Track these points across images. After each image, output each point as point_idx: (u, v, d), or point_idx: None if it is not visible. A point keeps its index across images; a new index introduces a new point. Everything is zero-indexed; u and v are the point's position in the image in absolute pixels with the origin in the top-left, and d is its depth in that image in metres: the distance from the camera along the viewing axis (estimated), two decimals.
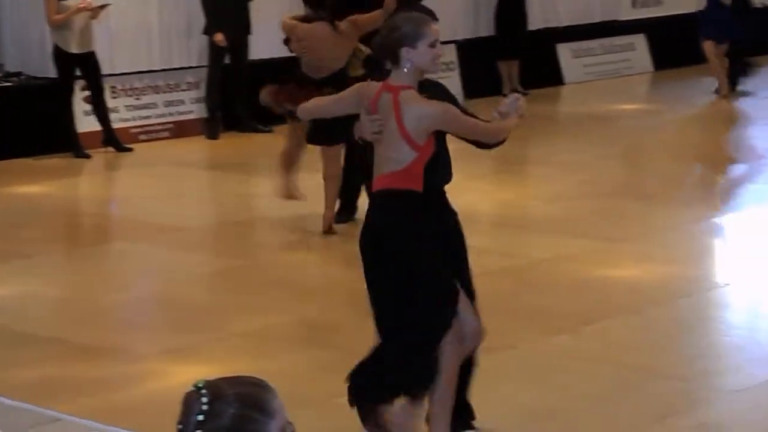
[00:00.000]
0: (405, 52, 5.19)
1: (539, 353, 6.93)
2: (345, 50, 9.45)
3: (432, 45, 5.24)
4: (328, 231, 9.42)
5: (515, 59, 16.63)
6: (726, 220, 10.05)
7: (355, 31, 9.43)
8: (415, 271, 5.28)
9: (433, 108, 5.19)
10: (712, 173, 12.17)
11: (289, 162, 9.74)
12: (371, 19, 9.28)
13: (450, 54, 16.66)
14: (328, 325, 7.62)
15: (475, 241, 9.65)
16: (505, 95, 16.51)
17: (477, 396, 6.29)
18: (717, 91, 15.68)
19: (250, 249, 9.56)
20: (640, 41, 18.06)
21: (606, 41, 17.79)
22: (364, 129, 5.28)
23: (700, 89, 16.44)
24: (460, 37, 16.83)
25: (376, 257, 5.32)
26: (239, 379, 2.54)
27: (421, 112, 5.17)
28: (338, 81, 8.87)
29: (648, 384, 6.37)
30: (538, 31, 16.98)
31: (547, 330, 7.29)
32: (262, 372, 2.68)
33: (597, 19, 17.91)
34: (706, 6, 16.10)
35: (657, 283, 8.21)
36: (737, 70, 15.91)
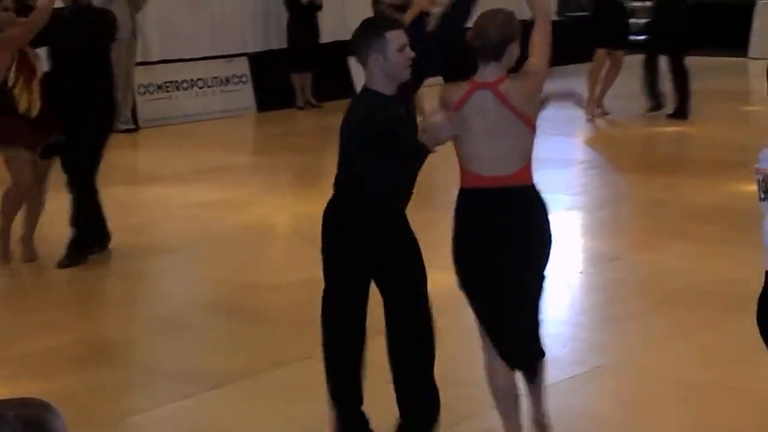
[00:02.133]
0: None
1: None
2: None
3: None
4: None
5: (308, 72, 16.73)
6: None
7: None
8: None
9: None
10: None
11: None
12: (17, 34, 8.62)
13: (242, 66, 16.66)
14: (112, 343, 7.52)
15: (272, 254, 9.75)
16: (300, 108, 16.67)
17: (272, 409, 6.30)
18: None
19: (29, 267, 9.29)
20: None
21: None
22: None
23: None
24: (251, 49, 16.83)
25: (519, 256, 5.16)
26: (20, 401, 2.50)
27: None
28: None
29: (444, 390, 6.46)
30: (330, 43, 17.11)
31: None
32: (45, 393, 2.65)
33: None
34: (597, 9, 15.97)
35: (449, 292, 8.34)
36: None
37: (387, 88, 5.27)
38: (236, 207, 11.13)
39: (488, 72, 5.18)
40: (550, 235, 5.25)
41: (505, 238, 5.15)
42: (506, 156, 5.15)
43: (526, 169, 5.19)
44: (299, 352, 7.13)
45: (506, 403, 5.46)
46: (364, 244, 5.45)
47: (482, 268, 5.25)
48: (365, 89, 5.37)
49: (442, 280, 8.59)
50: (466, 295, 5.41)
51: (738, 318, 7.50)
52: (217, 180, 12.29)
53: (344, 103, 15.92)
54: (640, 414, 6.15)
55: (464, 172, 5.26)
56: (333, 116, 16.01)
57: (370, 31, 5.33)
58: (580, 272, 8.89)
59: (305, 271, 8.94)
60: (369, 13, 17.93)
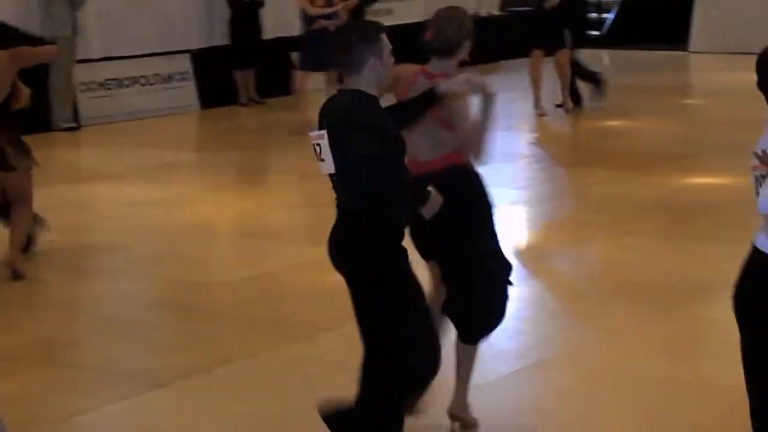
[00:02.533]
0: None
1: (278, 361, 6.97)
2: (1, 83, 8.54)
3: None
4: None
5: (251, 68, 16.68)
6: None
7: (13, 63, 8.56)
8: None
9: None
10: None
11: None
12: (37, 52, 8.78)
13: (185, 63, 16.58)
14: (57, 342, 7.48)
15: (215, 251, 9.72)
16: (243, 104, 16.62)
17: (218, 407, 6.28)
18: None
19: None
20: None
21: None
22: None
23: None
24: (194, 46, 16.77)
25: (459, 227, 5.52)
26: None
27: None
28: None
29: None
30: (273, 40, 17.08)
31: (286, 337, 7.35)
32: None
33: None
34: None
35: None
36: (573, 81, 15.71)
37: (375, 90, 5.05)
38: (181, 204, 11.09)
39: (440, 65, 5.52)
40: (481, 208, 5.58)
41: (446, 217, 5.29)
42: (437, 144, 5.46)
43: (450, 156, 5.47)
44: (246, 350, 7.13)
45: None
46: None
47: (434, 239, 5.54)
48: (356, 91, 5.02)
49: None
50: None
51: (682, 311, 7.58)
52: (162, 178, 12.24)
53: (287, 100, 15.82)
54: (586, 407, 6.19)
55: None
56: (276, 113, 16.05)
57: (367, 34, 5.04)
58: (525, 266, 8.92)
59: (252, 268, 8.94)
60: None
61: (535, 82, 15.41)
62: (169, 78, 16.37)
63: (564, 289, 8.37)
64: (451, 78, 5.37)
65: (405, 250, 5.05)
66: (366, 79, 5.00)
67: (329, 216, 10.63)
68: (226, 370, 6.84)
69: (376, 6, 18.68)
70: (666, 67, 19.48)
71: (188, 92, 16.48)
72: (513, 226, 10.13)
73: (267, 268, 8.91)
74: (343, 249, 5.07)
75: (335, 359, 6.85)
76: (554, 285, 8.50)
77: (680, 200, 10.38)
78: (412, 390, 5.24)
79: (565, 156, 13.50)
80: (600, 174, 11.96)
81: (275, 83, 16.85)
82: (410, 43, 18.83)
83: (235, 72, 16.65)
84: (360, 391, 5.16)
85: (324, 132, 4.96)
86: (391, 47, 5.06)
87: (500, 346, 7.22)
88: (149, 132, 15.12)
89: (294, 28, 17.52)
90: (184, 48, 16.58)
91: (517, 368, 6.75)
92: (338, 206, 5.12)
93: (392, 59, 5.09)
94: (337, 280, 8.62)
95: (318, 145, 4.98)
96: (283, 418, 6.14)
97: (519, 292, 8.52)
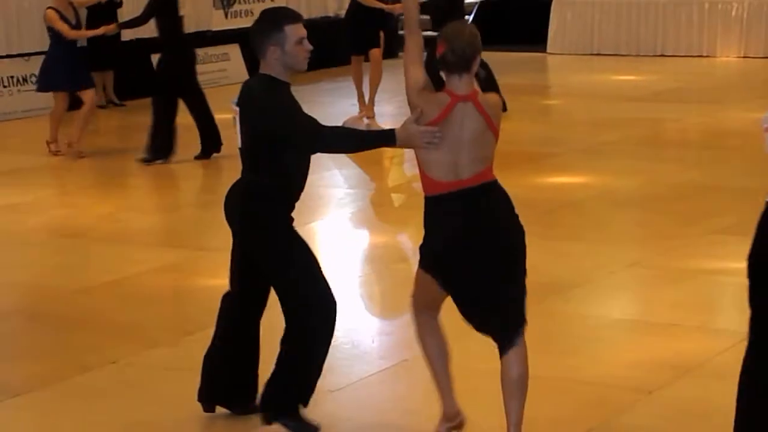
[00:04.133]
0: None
1: (139, 367, 6.87)
2: None
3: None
4: None
5: (109, 70, 16.45)
6: (329, 222, 10.30)
7: None
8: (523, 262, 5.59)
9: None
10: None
11: None
12: None
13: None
14: None
15: (73, 257, 9.54)
16: (101, 107, 16.36)
17: (74, 417, 6.17)
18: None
19: None
20: (234, 51, 18.26)
21: (201, 51, 17.84)
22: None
23: (295, 97, 16.80)
24: None
25: (505, 244, 5.48)
26: None
27: None
28: None
29: None
30: (131, 41, 16.86)
31: (146, 343, 7.24)
32: None
33: (190, 29, 17.94)
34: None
35: None
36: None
37: (284, 77, 5.63)
38: (38, 210, 10.87)
39: (461, 84, 5.38)
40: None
41: (494, 227, 5.50)
42: (480, 159, 5.45)
43: (490, 169, 5.54)
44: (105, 357, 7.01)
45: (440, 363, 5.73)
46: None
47: (476, 261, 5.44)
48: (264, 75, 5.63)
49: None
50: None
51: (541, 308, 7.64)
52: (18, 182, 11.98)
53: (147, 102, 15.63)
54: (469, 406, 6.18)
55: (432, 181, 5.46)
56: (136, 115, 15.83)
57: (269, 24, 5.60)
58: (387, 266, 8.93)
59: (111, 273, 8.80)
60: None
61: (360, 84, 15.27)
62: (24, 80, 16.05)
63: None
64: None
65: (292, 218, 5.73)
66: (270, 65, 5.57)
67: (189, 219, 10.52)
68: (84, 378, 6.72)
69: (236, 6, 18.58)
70: (525, 68, 19.70)
71: (45, 94, 16.15)
72: (377, 227, 10.15)
73: (126, 272, 8.78)
74: (236, 211, 5.72)
75: (197, 363, 6.77)
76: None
77: (541, 199, 10.49)
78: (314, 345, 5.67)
79: None
80: None
81: (135, 85, 16.62)
82: None
83: (94, 74, 16.37)
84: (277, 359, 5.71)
85: (237, 109, 5.67)
86: (301, 36, 5.59)
87: (363, 347, 7.22)
88: (4, 136, 14.82)
89: (154, 28, 17.32)
90: (40, 50, 16.27)
91: (382, 368, 6.75)
92: (242, 175, 5.84)
93: (303, 47, 5.60)
94: (198, 283, 8.59)
95: (234, 119, 5.72)
96: (142, 425, 6.05)
97: (381, 293, 8.53)
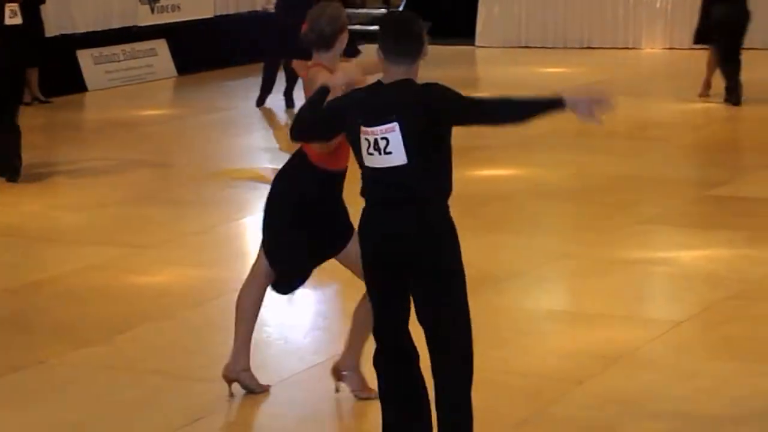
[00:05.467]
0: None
1: (69, 366, 6.81)
2: None
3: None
4: None
5: (34, 67, 16.26)
6: (256, 219, 10.26)
7: None
8: None
9: None
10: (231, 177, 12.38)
11: None
12: None
13: None
14: None
15: (4, 255, 9.43)
16: (27, 104, 16.18)
17: (3, 417, 6.11)
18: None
19: None
20: (161, 46, 18.14)
21: (127, 47, 17.74)
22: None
23: (222, 93, 16.75)
24: None
25: None
26: None
27: None
28: None
29: (180, 388, 6.41)
30: (56, 37, 16.70)
31: (77, 342, 7.18)
32: None
33: (116, 25, 17.83)
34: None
35: (187, 287, 8.28)
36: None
37: None
38: None
39: (325, 58, 5.89)
40: None
41: None
42: None
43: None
44: (35, 356, 6.94)
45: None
46: None
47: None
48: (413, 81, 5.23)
49: (187, 274, 8.51)
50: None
51: (476, 301, 7.66)
52: None
53: (74, 98, 15.44)
54: None
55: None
56: (63, 112, 15.69)
57: (422, 29, 5.27)
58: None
59: (39, 272, 8.72)
60: (96, 4, 17.63)
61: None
62: None
63: (356, 286, 8.36)
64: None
65: None
66: (414, 73, 5.25)
67: (118, 216, 10.43)
68: (13, 378, 6.65)
69: (163, 1, 18.44)
70: (454, 62, 19.73)
71: None
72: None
73: (56, 271, 8.70)
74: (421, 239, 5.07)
75: (129, 361, 6.74)
76: (346, 282, 8.50)
77: (469, 192, 10.52)
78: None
79: None
80: None
81: (60, 81, 16.47)
82: (201, 39, 18.43)
83: None
84: None
85: (395, 124, 5.01)
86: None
87: (296, 342, 7.22)
88: None
89: (79, 24, 17.19)
90: None
91: (314, 364, 6.74)
92: (402, 197, 5.07)
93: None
94: (130, 281, 8.52)
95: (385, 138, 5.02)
96: (72, 425, 6.00)
97: (312, 289, 8.51)
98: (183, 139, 14.07)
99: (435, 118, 5.12)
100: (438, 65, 19.03)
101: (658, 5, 20.16)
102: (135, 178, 11.87)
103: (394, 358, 5.18)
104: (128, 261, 8.86)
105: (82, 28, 17.34)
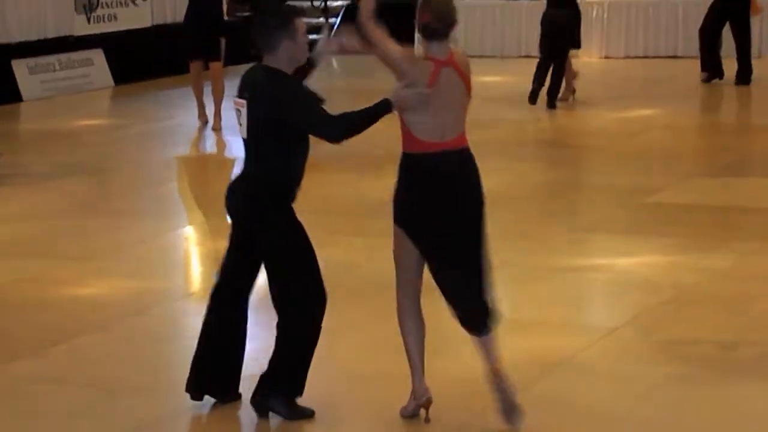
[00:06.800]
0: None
1: (2, 380, 6.74)
2: None
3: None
4: None
5: None
6: (195, 229, 10.23)
7: None
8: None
9: None
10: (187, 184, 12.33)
11: None
12: None
13: None
14: None
15: None
16: None
17: None
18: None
19: None
20: (98, 56, 18.03)
21: (63, 57, 17.62)
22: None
23: (160, 103, 16.68)
24: None
25: (476, 211, 5.80)
26: None
27: None
28: None
29: (118, 398, 6.37)
30: None
31: (9, 355, 7.11)
32: None
33: (52, 35, 17.69)
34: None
35: (125, 298, 8.23)
36: None
37: (288, 70, 5.79)
38: None
39: (440, 50, 5.88)
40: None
41: (470, 193, 5.86)
42: (460, 122, 5.94)
43: (465, 133, 5.98)
44: None
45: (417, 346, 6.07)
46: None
47: (452, 223, 5.80)
48: (271, 68, 5.77)
49: (125, 285, 8.38)
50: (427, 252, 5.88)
51: None
52: None
53: (9, 108, 15.31)
54: (324, 406, 6.18)
55: (417, 140, 5.93)
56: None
57: (281, 18, 5.76)
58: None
59: None
60: (31, 13, 17.49)
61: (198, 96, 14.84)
62: None
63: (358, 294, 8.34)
64: None
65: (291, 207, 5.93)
66: (280, 59, 5.74)
67: (53, 227, 10.36)
68: None
69: (99, 11, 18.33)
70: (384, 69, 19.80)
71: None
72: None
73: (10, 275, 8.62)
74: (240, 202, 5.85)
75: (63, 374, 6.68)
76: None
77: None
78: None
79: None
80: (323, 177, 11.99)
81: None
82: (138, 49, 18.37)
83: None
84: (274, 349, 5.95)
85: (243, 101, 5.74)
86: (304, 29, 5.82)
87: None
88: None
89: (14, 33, 17.06)
90: None
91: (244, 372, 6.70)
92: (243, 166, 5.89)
93: (305, 39, 5.85)
94: (65, 292, 8.46)
95: (239, 111, 5.80)
96: None
97: (257, 297, 8.48)
98: (120, 150, 13.98)
99: None
100: (372, 74, 19.08)
101: (594, 14, 20.30)
102: (71, 189, 11.78)
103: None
104: (64, 272, 8.79)
105: (17, 38, 17.19)
